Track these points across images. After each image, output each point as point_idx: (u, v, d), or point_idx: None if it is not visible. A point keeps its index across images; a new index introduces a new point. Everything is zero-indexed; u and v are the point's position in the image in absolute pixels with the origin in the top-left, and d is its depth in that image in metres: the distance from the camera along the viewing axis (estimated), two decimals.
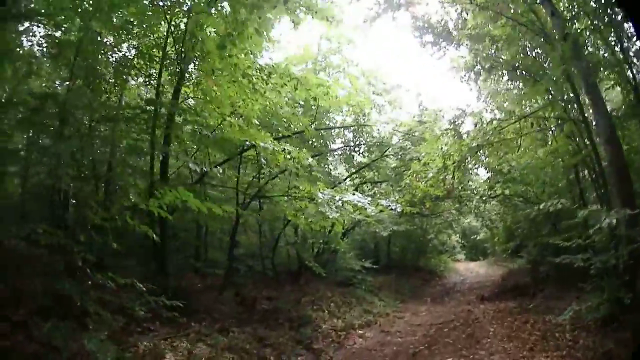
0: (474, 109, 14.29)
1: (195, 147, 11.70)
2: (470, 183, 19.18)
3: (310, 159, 11.41)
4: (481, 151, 13.78)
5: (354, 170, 19.39)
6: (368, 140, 18.96)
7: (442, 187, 15.32)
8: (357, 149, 19.37)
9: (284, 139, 13.15)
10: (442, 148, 13.61)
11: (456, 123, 13.66)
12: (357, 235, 22.99)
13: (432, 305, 16.78)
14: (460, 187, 16.47)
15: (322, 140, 17.36)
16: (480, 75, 14.78)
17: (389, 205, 11.34)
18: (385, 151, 18.97)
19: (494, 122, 13.43)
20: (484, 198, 19.54)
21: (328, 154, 18.51)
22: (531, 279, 15.75)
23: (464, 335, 10.87)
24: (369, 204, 10.44)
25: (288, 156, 10.37)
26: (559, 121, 13.43)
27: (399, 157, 18.87)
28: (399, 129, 18.59)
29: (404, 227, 21.72)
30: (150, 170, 9.79)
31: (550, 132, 15.02)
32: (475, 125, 13.58)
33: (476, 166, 16.74)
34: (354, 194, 11.04)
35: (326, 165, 18.19)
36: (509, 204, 19.33)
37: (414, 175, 14.71)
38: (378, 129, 18.73)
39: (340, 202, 10.16)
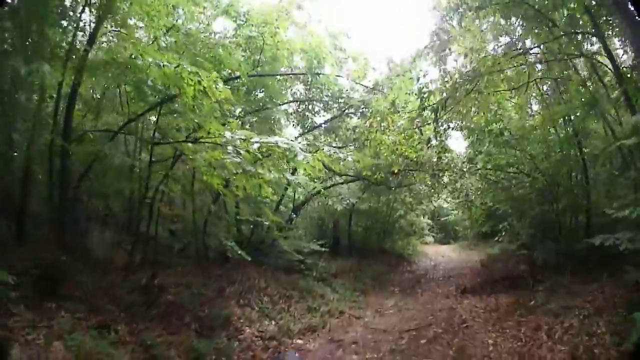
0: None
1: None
2: (447, 154, 15.65)
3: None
4: (471, 95, 10.07)
5: (304, 131, 15.63)
6: (324, 96, 15.14)
7: (416, 143, 11.79)
8: (310, 106, 15.58)
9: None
10: (418, 81, 9.99)
11: (439, 53, 9.92)
12: (313, 212, 20.22)
13: (402, 298, 13.28)
14: (437, 150, 12.79)
15: (267, 94, 13.87)
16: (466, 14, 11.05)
17: (336, 153, 7.55)
18: (345, 109, 15.26)
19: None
20: (463, 170, 16.00)
21: (275, 111, 14.54)
22: (528, 267, 12.22)
23: (452, 351, 7.51)
24: (303, 150, 6.65)
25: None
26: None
27: (361, 113, 15.12)
28: (362, 82, 14.74)
29: (367, 204, 19.32)
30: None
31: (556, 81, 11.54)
32: (465, 57, 9.90)
33: (459, 122, 13.16)
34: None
35: (274, 125, 14.40)
36: (490, 181, 16.20)
37: (378, 122, 11.07)
38: (336, 80, 14.76)
39: (257, 145, 6.46)
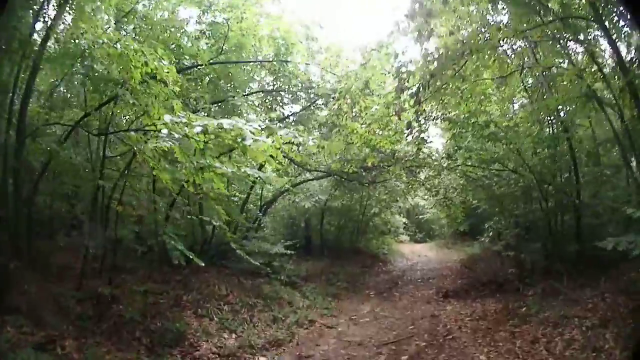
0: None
1: None
2: (425, 148, 14.59)
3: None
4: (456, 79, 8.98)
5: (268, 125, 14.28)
6: (293, 86, 13.90)
7: (392, 133, 10.69)
8: (278, 97, 14.32)
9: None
10: (396, 58, 8.83)
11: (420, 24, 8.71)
12: (283, 211, 18.97)
13: (378, 303, 12.13)
14: (415, 141, 11.67)
15: (232, 83, 12.52)
16: None
17: (296, 137, 6.29)
18: (315, 100, 14.05)
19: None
20: (442, 166, 14.95)
21: (240, 102, 13.19)
22: (515, 269, 11.23)
23: None
24: (255, 132, 5.37)
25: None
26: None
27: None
28: (334, 71, 13.48)
29: (340, 202, 18.20)
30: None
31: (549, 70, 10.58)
32: (451, 34, 8.78)
33: (439, 113, 12.14)
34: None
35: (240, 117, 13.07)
36: (469, 178, 15.27)
37: (349, 105, 9.87)
38: (306, 69, 13.50)
39: (199, 128, 5.23)
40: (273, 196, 15.93)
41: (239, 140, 5.32)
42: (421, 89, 8.30)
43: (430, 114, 11.30)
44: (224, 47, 11.42)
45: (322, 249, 18.37)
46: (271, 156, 6.01)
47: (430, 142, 13.20)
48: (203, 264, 7.91)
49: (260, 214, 14.64)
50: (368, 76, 9.99)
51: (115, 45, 6.77)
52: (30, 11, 7.95)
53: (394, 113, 9.12)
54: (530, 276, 10.64)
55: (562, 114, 10.89)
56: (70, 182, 9.77)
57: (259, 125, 5.49)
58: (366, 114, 10.41)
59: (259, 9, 11.60)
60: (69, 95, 10.51)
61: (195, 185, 7.00)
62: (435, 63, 8.34)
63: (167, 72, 6.89)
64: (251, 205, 15.39)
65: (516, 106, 13.30)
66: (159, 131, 5.88)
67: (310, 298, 11.70)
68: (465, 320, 9.16)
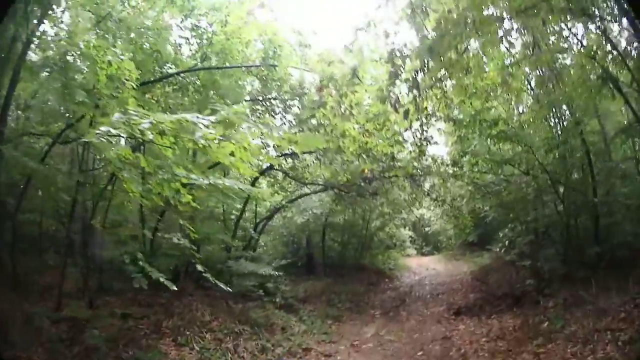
0: None
1: None
2: (428, 153, 13.64)
3: None
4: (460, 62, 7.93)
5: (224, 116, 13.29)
6: (284, 92, 12.94)
7: (390, 134, 9.67)
8: (270, 106, 13.35)
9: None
10: (388, 38, 7.76)
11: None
12: (282, 228, 18.05)
13: (383, 324, 11.00)
14: (417, 141, 10.67)
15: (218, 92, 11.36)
16: None
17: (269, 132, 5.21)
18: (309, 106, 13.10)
19: None
20: (448, 173, 13.91)
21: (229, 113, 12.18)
22: (532, 280, 10.14)
23: None
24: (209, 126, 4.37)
25: None
26: None
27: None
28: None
29: (342, 217, 17.44)
30: None
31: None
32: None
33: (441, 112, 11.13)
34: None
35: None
36: (477, 185, 14.23)
37: (336, 100, 8.61)
38: (299, 75, 12.51)
39: (147, 124, 4.26)
40: (269, 213, 14.95)
41: (197, 138, 4.31)
42: (419, 74, 7.21)
43: (432, 112, 10.20)
44: (207, 53, 10.79)
45: (324, 267, 17.33)
46: (242, 159, 4.99)
47: (435, 142, 12.11)
48: (175, 288, 6.80)
49: (253, 233, 13.62)
50: (355, 62, 8.53)
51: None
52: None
53: (390, 107, 7.86)
54: (549, 285, 9.61)
55: (573, 105, 9.86)
56: (55, 197, 9.00)
57: (214, 119, 4.46)
58: (358, 111, 9.16)
59: (245, 13, 10.90)
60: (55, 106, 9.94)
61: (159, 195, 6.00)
62: (434, 34, 7.25)
63: (129, 71, 6.45)
64: (248, 223, 14.60)
65: (524, 103, 12.22)
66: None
67: (307, 322, 10.63)
68: (481, 341, 8.07)
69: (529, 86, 11.44)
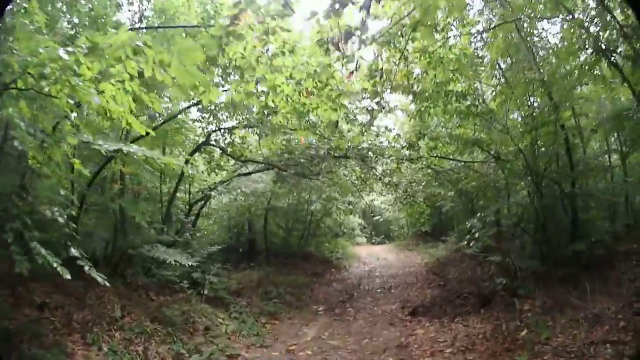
0: None
1: None
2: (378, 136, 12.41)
3: None
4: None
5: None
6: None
7: (335, 95, 7.71)
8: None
9: None
10: None
11: None
12: (221, 210, 16.33)
13: (327, 324, 9.30)
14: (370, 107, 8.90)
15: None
16: None
17: None
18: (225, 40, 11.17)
19: None
20: (404, 157, 12.47)
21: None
22: (501, 276, 8.71)
23: None
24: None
25: None
26: None
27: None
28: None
29: (285, 201, 16.42)
30: None
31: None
32: None
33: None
34: None
35: None
36: (436, 172, 13.33)
37: (254, 31, 6.22)
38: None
39: None
40: (203, 194, 13.08)
41: None
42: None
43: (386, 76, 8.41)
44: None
45: (267, 255, 15.68)
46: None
47: (392, 109, 10.43)
48: (68, 276, 5.08)
49: (183, 216, 11.86)
50: None
51: None
52: None
53: (333, 52, 5.82)
54: (523, 285, 8.26)
55: (553, 86, 8.50)
56: None
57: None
58: (294, 63, 6.89)
59: None
60: None
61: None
62: None
63: None
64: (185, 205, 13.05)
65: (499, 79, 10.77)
66: None
67: (238, 320, 8.89)
68: (445, 352, 6.52)
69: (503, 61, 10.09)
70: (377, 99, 6.97)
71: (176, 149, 12.52)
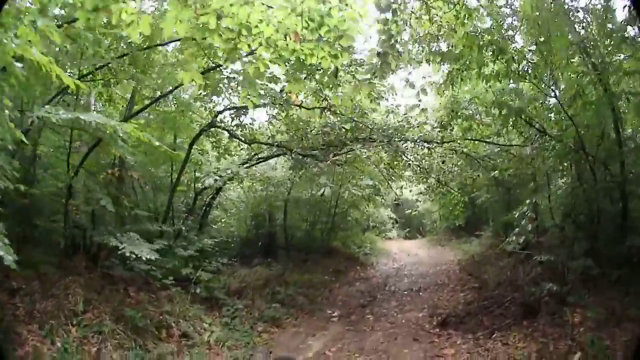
0: None
1: None
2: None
3: None
4: None
5: None
6: None
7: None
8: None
9: None
10: None
11: None
12: (237, 201, 15.32)
13: (339, 334, 7.80)
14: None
15: None
16: None
17: None
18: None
19: None
20: (434, 140, 11.27)
21: None
22: (547, 280, 7.11)
23: None
24: None
25: None
26: None
27: None
28: None
29: (308, 191, 14.59)
30: None
31: None
32: None
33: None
34: None
35: None
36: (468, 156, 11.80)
37: None
38: None
39: None
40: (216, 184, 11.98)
41: None
42: None
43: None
44: None
45: (287, 250, 14.45)
46: None
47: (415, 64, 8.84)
48: (14, 266, 4.37)
49: (185, 206, 10.81)
50: None
51: None
52: None
53: None
54: (574, 291, 6.65)
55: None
56: None
57: None
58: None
59: None
60: None
61: None
62: None
63: None
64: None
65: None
66: None
67: (229, 325, 7.62)
68: None
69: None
70: (391, 42, 5.47)
71: (181, 134, 11.43)
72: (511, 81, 8.04)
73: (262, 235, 15.04)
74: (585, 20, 7.73)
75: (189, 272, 8.45)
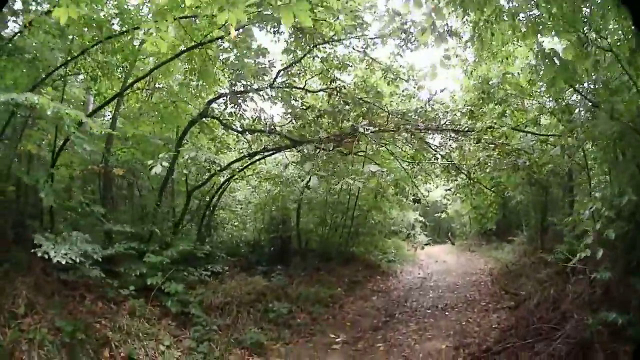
0: None
1: None
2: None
3: None
4: None
5: None
6: None
7: None
8: None
9: None
10: None
11: None
12: (243, 203, 14.27)
13: None
14: None
15: None
16: None
17: None
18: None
19: None
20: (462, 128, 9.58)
21: None
22: (617, 313, 5.22)
23: None
24: None
25: None
26: None
27: None
28: None
29: (324, 192, 13.45)
30: None
31: None
32: None
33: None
34: None
35: None
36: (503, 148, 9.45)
37: None
38: None
39: None
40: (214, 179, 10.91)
41: None
42: None
43: None
44: None
45: (302, 256, 12.89)
46: None
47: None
48: None
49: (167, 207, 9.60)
50: None
51: None
52: None
53: None
54: (635, 320, 4.87)
55: None
56: None
57: None
58: None
59: None
60: None
61: None
62: None
63: None
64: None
65: None
66: None
67: (195, 351, 6.19)
68: None
69: None
70: None
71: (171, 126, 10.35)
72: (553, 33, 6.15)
73: (275, 240, 13.66)
74: None
75: (156, 281, 7.02)
